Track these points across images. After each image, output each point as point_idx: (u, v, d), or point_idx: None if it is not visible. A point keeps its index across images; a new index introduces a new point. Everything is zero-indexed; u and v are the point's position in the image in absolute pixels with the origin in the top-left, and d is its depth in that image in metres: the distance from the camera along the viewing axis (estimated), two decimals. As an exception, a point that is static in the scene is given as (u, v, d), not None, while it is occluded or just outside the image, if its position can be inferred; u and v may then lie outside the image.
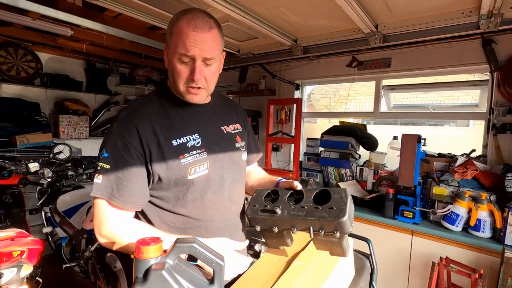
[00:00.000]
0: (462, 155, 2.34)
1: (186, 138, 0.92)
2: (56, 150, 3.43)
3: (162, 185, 0.90)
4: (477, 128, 2.60)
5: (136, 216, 0.95)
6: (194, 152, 0.92)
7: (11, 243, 1.54)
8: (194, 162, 0.91)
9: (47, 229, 2.65)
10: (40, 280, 1.75)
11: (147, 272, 0.56)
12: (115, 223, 0.83)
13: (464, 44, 2.33)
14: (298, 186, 0.91)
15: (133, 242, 0.77)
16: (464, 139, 2.67)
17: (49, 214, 2.65)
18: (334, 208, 0.77)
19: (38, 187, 2.88)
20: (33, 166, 2.67)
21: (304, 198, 0.85)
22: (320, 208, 0.79)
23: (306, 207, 0.82)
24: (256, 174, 1.27)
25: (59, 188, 2.72)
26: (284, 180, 1.05)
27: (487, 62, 2.22)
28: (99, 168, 0.85)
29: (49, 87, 3.57)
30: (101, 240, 0.84)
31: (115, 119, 0.91)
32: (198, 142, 0.94)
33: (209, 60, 0.88)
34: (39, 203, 2.79)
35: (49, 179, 2.71)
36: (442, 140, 2.78)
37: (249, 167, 1.25)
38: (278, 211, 0.82)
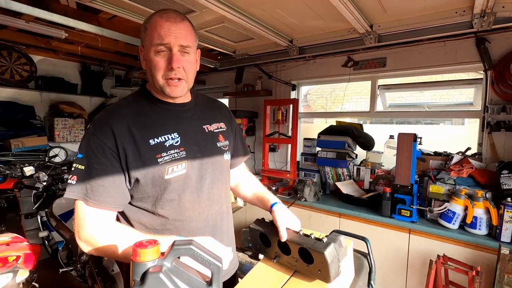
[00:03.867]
0: (457, 153, 2.36)
1: (164, 137, 0.91)
2: (51, 153, 3.40)
3: (139, 185, 0.89)
4: (472, 126, 2.63)
5: (117, 219, 0.95)
6: (172, 151, 0.91)
7: (6, 248, 1.53)
8: (172, 162, 0.90)
9: (43, 234, 2.63)
10: (37, 285, 1.73)
11: (144, 275, 0.55)
12: (93, 227, 0.82)
13: (458, 43, 2.35)
14: (283, 237, 0.90)
15: (111, 247, 0.79)
16: (460, 138, 2.69)
17: (45, 218, 2.63)
18: (319, 271, 0.83)
19: (34, 191, 2.85)
20: (28, 170, 2.64)
21: (291, 252, 0.90)
22: (308, 266, 0.86)
23: (296, 261, 0.89)
24: (250, 186, 1.26)
25: (55, 192, 2.69)
26: (276, 205, 1.05)
27: (481, 60, 2.24)
28: (73, 169, 0.84)
29: (44, 90, 3.55)
30: (81, 244, 0.83)
31: (92, 121, 0.91)
32: (177, 141, 0.93)
33: (186, 48, 0.90)
34: (35, 207, 2.76)
35: (44, 183, 2.69)
36: (438, 138, 2.80)
37: (237, 169, 1.24)
38: (275, 260, 0.95)
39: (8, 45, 3.18)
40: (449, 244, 1.96)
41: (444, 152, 2.48)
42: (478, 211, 1.91)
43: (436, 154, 2.49)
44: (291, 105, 3.28)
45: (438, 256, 1.87)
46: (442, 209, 2.03)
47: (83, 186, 0.82)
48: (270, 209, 1.05)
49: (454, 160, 2.29)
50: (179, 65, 0.89)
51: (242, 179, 1.28)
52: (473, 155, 2.32)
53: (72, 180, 0.83)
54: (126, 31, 2.54)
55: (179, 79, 0.91)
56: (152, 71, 0.90)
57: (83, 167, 0.83)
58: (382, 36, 2.30)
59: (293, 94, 3.40)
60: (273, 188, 2.98)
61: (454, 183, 2.11)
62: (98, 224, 0.83)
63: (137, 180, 0.88)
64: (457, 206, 1.97)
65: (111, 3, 1.98)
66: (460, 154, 2.34)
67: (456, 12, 1.89)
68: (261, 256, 1.04)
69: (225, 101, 3.98)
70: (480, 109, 2.37)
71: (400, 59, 2.64)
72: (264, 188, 1.24)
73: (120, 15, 2.12)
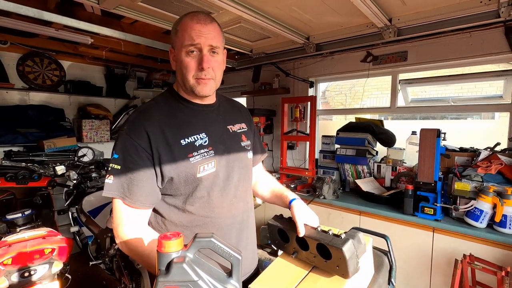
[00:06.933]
0: (485, 149, 2.25)
1: (194, 137, 0.94)
2: (80, 153, 3.59)
3: (173, 184, 0.92)
4: (504, 121, 2.49)
5: (151, 217, 0.98)
6: (202, 150, 0.94)
7: (42, 241, 1.64)
8: (203, 161, 0.93)
9: (74, 229, 2.78)
10: (70, 276, 1.83)
11: (169, 265, 0.59)
12: (128, 228, 0.86)
13: (485, 34, 2.24)
14: (301, 232, 0.92)
15: (142, 257, 0.83)
16: (489, 132, 2.56)
17: (75, 214, 2.78)
18: (338, 267, 0.83)
19: (65, 189, 3.03)
20: (60, 169, 2.81)
21: (310, 248, 0.91)
22: (326, 262, 0.86)
23: (315, 257, 0.90)
24: (268, 184, 1.28)
25: (84, 190, 2.84)
26: (295, 201, 1.06)
27: (511, 51, 2.13)
28: (109, 169, 0.88)
29: (72, 94, 3.75)
30: (117, 241, 0.88)
31: (125, 122, 0.94)
32: (206, 141, 0.96)
33: (215, 49, 0.93)
34: (66, 204, 2.93)
35: (74, 181, 2.85)
36: (465, 134, 2.68)
37: (255, 168, 1.27)
38: (294, 255, 0.96)
39: (39, 52, 3.40)
40: (476, 243, 1.88)
41: (471, 148, 2.38)
42: (508, 209, 1.82)
43: (462, 150, 2.39)
44: (309, 103, 3.25)
45: (464, 255, 1.80)
46: (469, 207, 1.95)
47: (120, 185, 0.86)
48: (288, 205, 1.07)
49: (482, 156, 2.18)
50: (209, 65, 0.92)
51: (260, 178, 1.30)
52: (502, 151, 2.20)
53: (109, 179, 0.87)
54: (147, 35, 2.64)
55: (208, 78, 0.94)
56: (183, 71, 0.93)
57: (119, 167, 0.86)
58: (402, 29, 2.23)
59: (311, 91, 3.37)
60: (292, 186, 2.99)
61: (481, 180, 2.02)
62: (133, 226, 0.87)
63: (171, 179, 0.91)
64: (485, 204, 1.88)
65: (133, 8, 2.06)
66: (488, 149, 2.23)
67: (481, 2, 1.80)
68: (280, 253, 1.05)
69: (243, 99, 4.02)
70: (510, 102, 2.25)
71: (422, 53, 2.55)
72: (281, 185, 1.26)
73: (141, 20, 2.21)
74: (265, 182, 1.29)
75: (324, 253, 0.87)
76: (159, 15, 2.17)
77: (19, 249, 1.53)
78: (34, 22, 2.34)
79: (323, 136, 3.20)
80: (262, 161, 1.33)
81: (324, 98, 6.35)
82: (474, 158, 2.24)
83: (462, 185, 2.06)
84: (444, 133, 2.14)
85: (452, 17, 1.98)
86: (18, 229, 2.14)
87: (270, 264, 0.96)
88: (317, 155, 3.19)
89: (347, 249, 0.80)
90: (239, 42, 2.88)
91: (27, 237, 1.66)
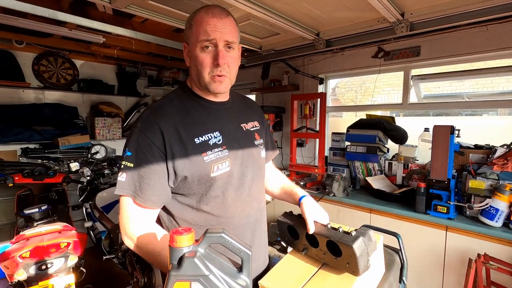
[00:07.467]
0: (502, 146, 2.18)
1: (208, 136, 0.92)
2: (93, 150, 3.67)
3: (186, 183, 0.90)
4: (520, 117, 2.42)
5: (161, 217, 0.99)
6: (216, 149, 0.92)
7: (58, 236, 1.69)
8: (217, 160, 0.92)
9: (88, 224, 2.85)
10: (84, 270, 1.89)
11: (180, 260, 0.60)
12: (138, 226, 0.86)
13: (503, 27, 2.16)
14: (311, 229, 0.91)
15: (150, 255, 0.83)
16: (506, 129, 2.49)
17: (89, 210, 2.85)
18: (348, 264, 0.83)
19: (79, 185, 3.10)
20: (74, 166, 2.88)
21: (319, 245, 0.91)
22: (336, 259, 0.86)
23: (325, 254, 0.90)
24: (278, 181, 1.27)
25: (97, 186, 2.91)
26: (305, 198, 1.05)
27: (530, 44, 2.05)
28: (122, 166, 0.86)
29: (85, 92, 3.81)
30: (126, 241, 0.87)
31: (138, 119, 0.92)
32: (220, 140, 0.94)
33: (231, 44, 0.90)
34: (80, 199, 3.00)
35: (88, 178, 2.92)
36: (480, 130, 2.61)
37: (266, 165, 1.25)
38: (304, 252, 0.97)
39: (54, 51, 3.48)
40: (491, 242, 1.84)
41: (486, 145, 2.31)
42: (525, 208, 1.77)
43: (477, 147, 2.33)
44: (318, 99, 3.23)
45: (479, 255, 1.76)
46: (483, 206, 1.90)
47: (132, 183, 0.85)
48: (298, 202, 1.06)
49: (498, 153, 2.12)
50: (225, 61, 0.89)
51: (270, 176, 1.30)
52: (520, 148, 2.14)
53: (122, 177, 0.85)
54: (157, 33, 2.67)
55: (223, 75, 0.91)
56: (198, 68, 0.91)
57: (132, 165, 0.85)
58: (415, 24, 2.18)
59: (320, 88, 3.34)
60: (301, 183, 2.98)
61: (497, 178, 1.97)
62: (143, 225, 0.86)
63: (184, 178, 0.89)
64: (500, 203, 1.84)
65: (143, 7, 2.09)
66: (505, 147, 2.16)
67: (499, -7, 1.74)
68: (289, 250, 1.06)
69: (252, 97, 4.02)
70: (528, 97, 2.17)
71: (435, 47, 2.49)
72: (291, 182, 1.25)
73: (152, 19, 2.23)
74: (275, 179, 1.29)
75: (334, 250, 0.87)
76: (169, 13, 2.18)
77: (37, 242, 1.59)
78: (49, 22, 2.40)
79: (333, 133, 3.17)
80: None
81: (334, 95, 6.29)
82: (490, 156, 2.18)
83: (477, 183, 2.00)
84: (458, 130, 2.09)
85: (467, 10, 1.92)
86: (35, 224, 2.22)
87: (279, 261, 0.96)
88: (326, 153, 3.17)
89: (358, 246, 0.80)
90: (248, 39, 2.87)
91: (43, 232, 1.72)
